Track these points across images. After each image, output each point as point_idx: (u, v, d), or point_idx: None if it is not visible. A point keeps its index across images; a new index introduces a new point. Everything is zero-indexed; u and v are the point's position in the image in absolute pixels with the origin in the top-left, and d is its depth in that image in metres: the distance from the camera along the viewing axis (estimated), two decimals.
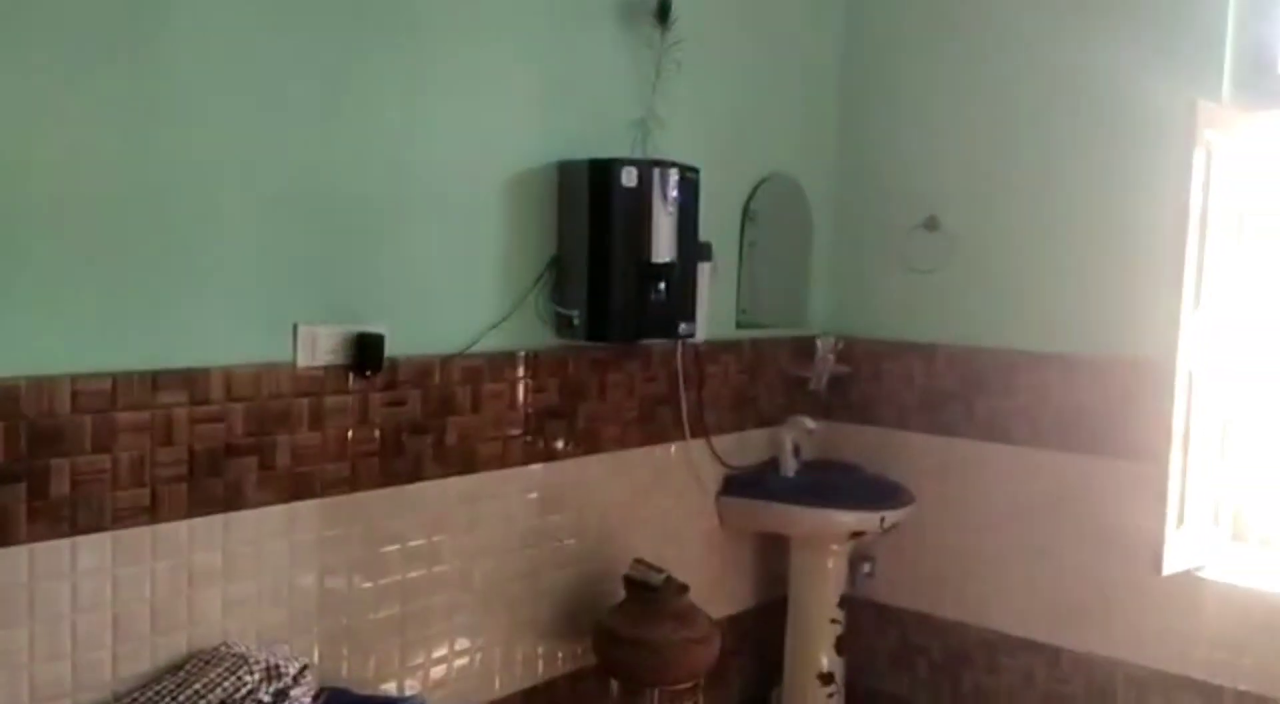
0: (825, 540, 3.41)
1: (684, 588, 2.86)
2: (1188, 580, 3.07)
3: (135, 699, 2.02)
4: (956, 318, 3.51)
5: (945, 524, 3.54)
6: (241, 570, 2.22)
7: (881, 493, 3.41)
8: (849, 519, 3.30)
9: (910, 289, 3.60)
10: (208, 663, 2.10)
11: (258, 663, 2.11)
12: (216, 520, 2.17)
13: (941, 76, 3.53)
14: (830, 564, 3.44)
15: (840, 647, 3.45)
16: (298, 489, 2.30)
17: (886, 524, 3.29)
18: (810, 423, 3.45)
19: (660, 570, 2.86)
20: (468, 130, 2.59)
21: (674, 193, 2.84)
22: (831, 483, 3.49)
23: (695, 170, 2.93)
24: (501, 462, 2.73)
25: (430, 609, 2.60)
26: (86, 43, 1.94)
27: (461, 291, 2.62)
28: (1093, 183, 3.24)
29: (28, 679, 1.93)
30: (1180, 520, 2.97)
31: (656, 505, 3.20)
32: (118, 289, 2.01)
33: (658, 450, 3.19)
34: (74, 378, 1.95)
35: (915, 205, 3.57)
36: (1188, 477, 2.98)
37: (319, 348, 2.32)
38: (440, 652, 2.64)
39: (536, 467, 2.82)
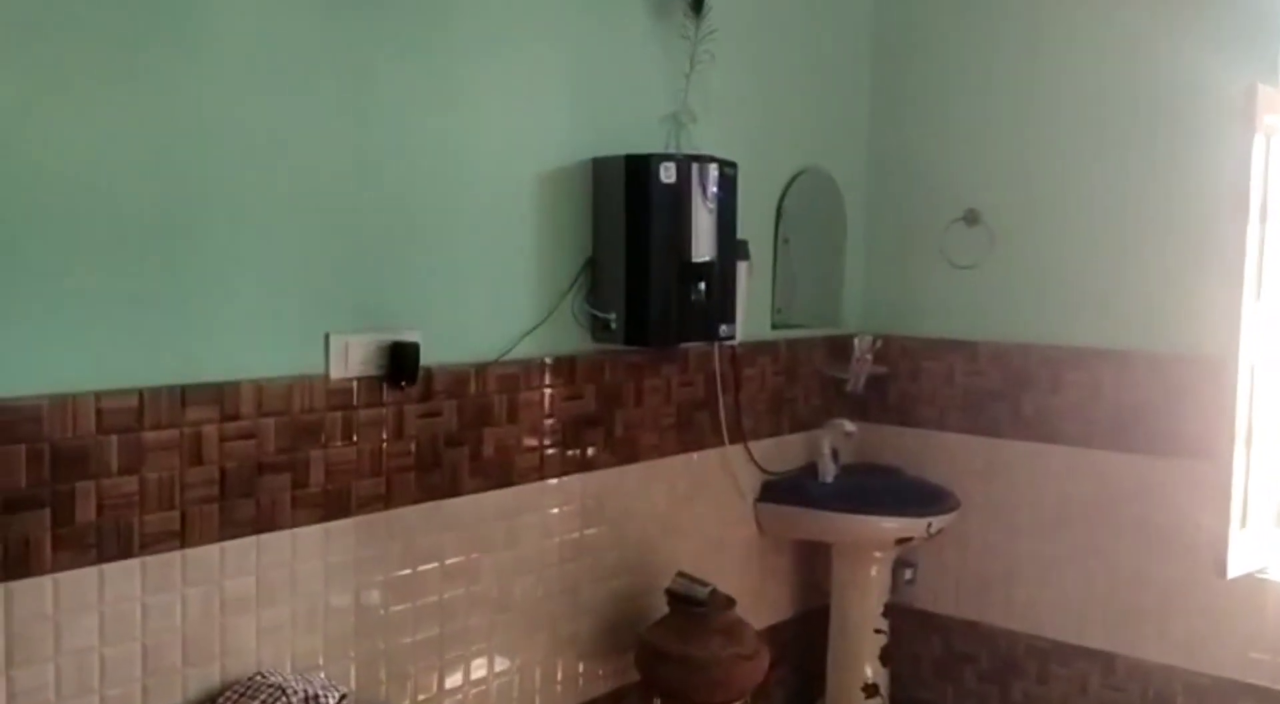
0: (868, 548, 3.29)
1: (730, 601, 2.75)
2: (1250, 583, 2.95)
3: None
4: (999, 314, 3.39)
5: (991, 528, 3.42)
6: (275, 595, 2.11)
7: (926, 497, 3.29)
8: (894, 526, 3.18)
9: (950, 285, 3.48)
10: (243, 694, 1.98)
11: (295, 693, 1.99)
12: (249, 543, 2.06)
13: (980, 64, 3.41)
14: (873, 572, 3.32)
15: (885, 657, 3.33)
16: (332, 508, 2.19)
17: (934, 530, 3.17)
18: (850, 425, 3.33)
19: (705, 583, 2.74)
20: (499, 127, 2.47)
21: (714, 189, 2.73)
22: (873, 487, 3.36)
23: (733, 165, 2.81)
24: (539, 473, 2.62)
25: (469, 629, 2.48)
26: (109, 42, 1.82)
27: (496, 296, 2.51)
28: (1145, 171, 3.12)
29: None
30: (1244, 521, 2.86)
31: (695, 514, 3.08)
32: (142, 300, 1.89)
33: (695, 457, 3.07)
34: (99, 395, 1.83)
35: (953, 198, 3.45)
36: (1250, 475, 2.86)
37: (351, 358, 2.20)
38: (480, 673, 2.52)
39: (574, 477, 2.71)
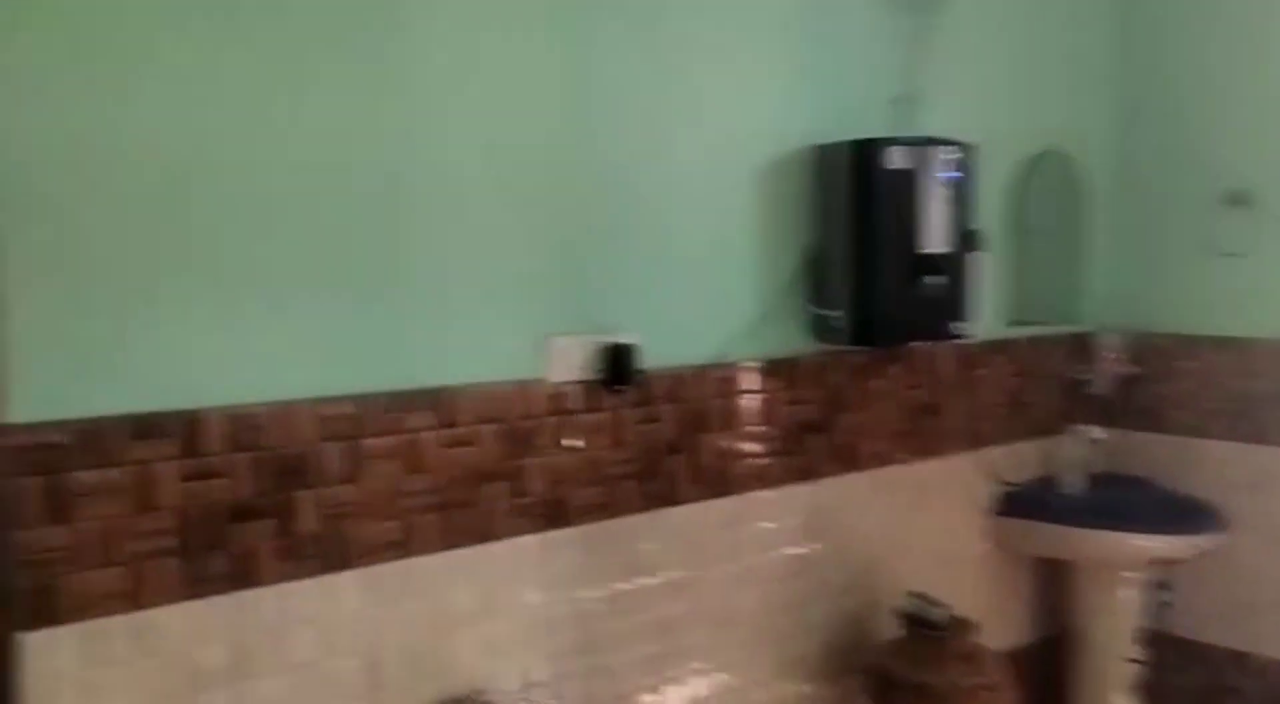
0: (1118, 567, 2.97)
1: (970, 625, 2.51)
2: None
3: None
4: (1277, 307, 3.00)
5: (1263, 547, 3.03)
6: (496, 607, 2.02)
7: (1188, 512, 2.93)
8: (1154, 544, 2.85)
9: (1213, 276, 3.11)
10: None
11: None
12: (469, 553, 1.97)
13: (1250, 24, 3.02)
14: (1124, 595, 2.99)
15: (1140, 689, 3.00)
16: (551, 517, 2.09)
17: (1201, 550, 2.82)
18: (1098, 432, 3.02)
19: (941, 604, 2.51)
20: (716, 115, 2.33)
21: (947, 174, 2.50)
22: (1124, 500, 3.03)
23: (968, 148, 2.57)
24: (759, 482, 2.45)
25: (690, 646, 2.34)
26: (323, 36, 1.77)
27: (713, 294, 2.36)
28: None
29: None
30: None
31: (924, 528, 2.85)
32: (360, 304, 1.84)
33: (923, 466, 2.84)
34: (316, 402, 1.78)
35: (1218, 177, 3.08)
36: None
37: (570, 362, 2.09)
38: (701, 693, 2.38)
39: (796, 487, 2.53)
